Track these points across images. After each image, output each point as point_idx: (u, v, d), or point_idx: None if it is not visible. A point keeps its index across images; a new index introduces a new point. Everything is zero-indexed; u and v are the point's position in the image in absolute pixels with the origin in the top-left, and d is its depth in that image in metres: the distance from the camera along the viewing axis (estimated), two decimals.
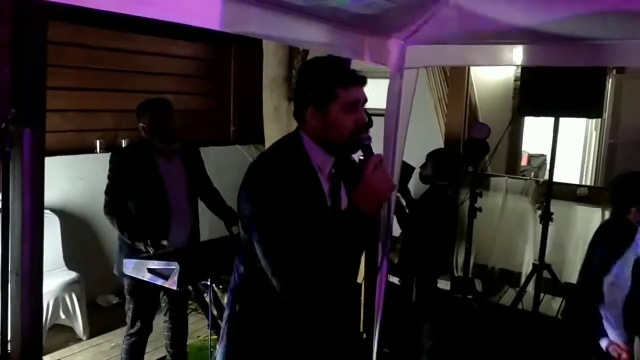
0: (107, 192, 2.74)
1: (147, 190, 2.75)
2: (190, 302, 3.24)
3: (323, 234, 1.42)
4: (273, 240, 1.43)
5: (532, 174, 6.03)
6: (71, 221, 4.20)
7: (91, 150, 4.41)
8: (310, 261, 1.40)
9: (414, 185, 3.62)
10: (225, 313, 1.67)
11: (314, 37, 2.28)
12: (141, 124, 2.78)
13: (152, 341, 3.02)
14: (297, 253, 1.41)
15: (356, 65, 1.74)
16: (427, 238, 3.31)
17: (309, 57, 4.80)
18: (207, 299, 2.59)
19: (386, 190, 1.45)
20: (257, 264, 1.48)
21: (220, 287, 2.68)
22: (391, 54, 2.74)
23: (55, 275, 3.74)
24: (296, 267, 1.41)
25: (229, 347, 1.63)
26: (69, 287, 3.70)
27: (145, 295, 2.79)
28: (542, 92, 3.58)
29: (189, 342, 3.24)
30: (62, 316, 3.70)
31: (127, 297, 2.84)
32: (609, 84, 5.28)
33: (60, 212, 4.07)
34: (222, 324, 1.68)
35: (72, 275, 3.81)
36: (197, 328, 3.84)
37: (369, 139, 1.53)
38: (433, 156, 3.41)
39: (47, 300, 3.51)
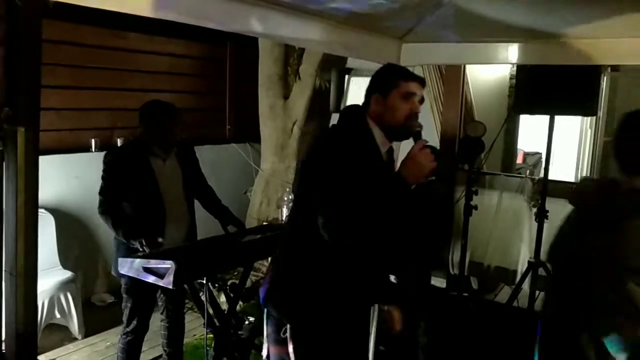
0: (101, 192, 2.73)
1: (141, 191, 2.73)
2: (186, 301, 3.24)
3: (379, 198, 1.65)
4: (335, 199, 1.64)
5: (528, 171, 6.02)
6: (66, 220, 4.18)
7: (86, 149, 4.39)
8: (360, 218, 1.62)
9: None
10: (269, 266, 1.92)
11: (309, 35, 2.28)
12: (143, 125, 2.74)
13: (148, 340, 3.02)
14: (352, 211, 1.62)
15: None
16: (416, 232, 3.35)
17: (305, 55, 4.80)
18: (203, 298, 2.59)
19: (428, 167, 1.69)
20: (305, 223, 1.73)
21: (216, 285, 2.68)
22: (387, 52, 2.75)
23: (50, 275, 3.72)
24: (352, 224, 1.63)
25: (271, 288, 1.88)
26: (64, 286, 3.69)
27: (142, 294, 2.78)
28: (538, 90, 3.58)
29: (185, 341, 3.23)
30: (57, 315, 3.68)
31: (124, 296, 2.83)
32: (604, 82, 5.30)
33: (56, 211, 4.05)
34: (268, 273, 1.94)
35: (67, 274, 3.79)
36: (193, 327, 3.84)
37: (421, 126, 1.81)
38: None
39: (42, 299, 3.49)
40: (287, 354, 1.83)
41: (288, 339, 1.81)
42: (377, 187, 1.67)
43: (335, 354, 1.85)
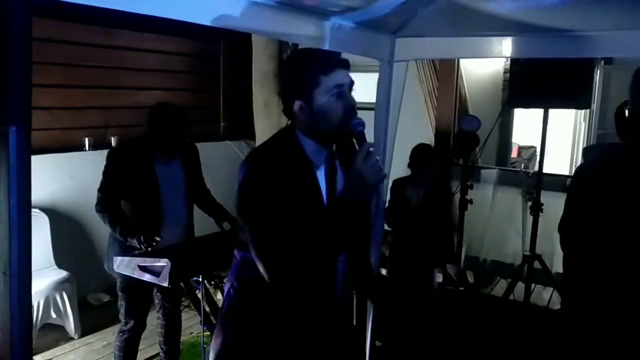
0: (100, 189, 2.70)
1: (141, 192, 2.70)
2: (182, 298, 3.23)
3: (315, 226, 1.41)
4: (262, 234, 1.43)
5: (522, 165, 6.05)
6: (61, 220, 4.16)
7: (80, 148, 4.36)
8: (299, 253, 1.39)
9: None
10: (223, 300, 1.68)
11: (302, 30, 2.27)
12: (150, 128, 2.69)
13: (145, 338, 3.01)
14: (286, 246, 1.39)
15: (348, 59, 1.71)
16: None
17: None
18: (199, 296, 2.58)
19: (376, 180, 1.42)
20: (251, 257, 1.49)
21: (212, 283, 2.68)
22: (380, 47, 2.73)
23: (46, 275, 3.71)
24: (284, 260, 1.40)
25: (222, 334, 1.64)
26: (59, 286, 3.67)
27: (137, 292, 2.77)
28: (531, 83, 3.59)
29: (182, 338, 3.23)
30: (53, 315, 3.67)
31: (120, 294, 2.82)
32: (597, 75, 5.32)
33: (50, 211, 4.03)
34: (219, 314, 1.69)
35: (62, 274, 3.78)
36: (190, 324, 3.83)
37: (362, 124, 1.46)
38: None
39: (38, 299, 3.48)
40: None
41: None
42: (310, 212, 1.43)
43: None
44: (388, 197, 3.51)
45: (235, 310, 1.64)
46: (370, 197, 1.49)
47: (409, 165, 3.59)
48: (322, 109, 1.47)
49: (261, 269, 1.44)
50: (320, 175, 1.56)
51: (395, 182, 3.64)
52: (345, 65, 1.51)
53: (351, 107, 1.48)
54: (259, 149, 1.59)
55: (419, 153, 3.54)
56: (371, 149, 1.42)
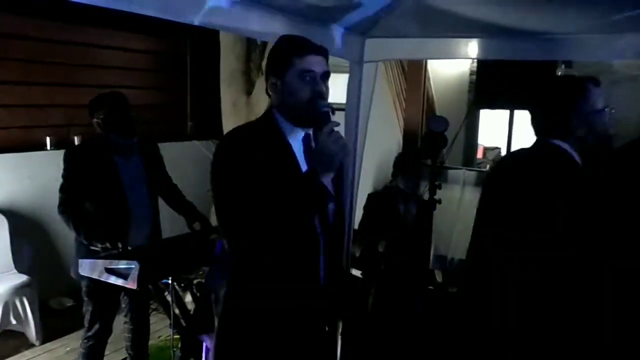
0: (61, 190, 2.63)
1: (104, 190, 2.64)
2: (151, 301, 3.16)
3: (281, 196, 1.48)
4: (228, 207, 1.52)
5: (488, 166, 6.18)
6: (20, 222, 4.03)
7: (40, 147, 4.24)
8: (263, 223, 1.47)
9: None
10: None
11: (272, 29, 2.26)
12: (96, 120, 2.67)
13: (111, 343, 2.94)
14: (250, 217, 1.46)
15: (324, 47, 1.71)
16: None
17: (268, 50, 4.76)
18: (169, 298, 2.54)
19: (340, 153, 1.49)
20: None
21: (182, 285, 2.64)
22: (350, 47, 2.74)
23: (5, 279, 3.59)
24: (248, 231, 1.48)
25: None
26: (19, 290, 3.55)
27: (104, 297, 2.70)
28: (497, 85, 3.68)
29: (150, 342, 3.16)
30: (13, 321, 3.55)
31: (85, 299, 2.73)
32: None
33: (9, 213, 3.90)
34: None
35: (22, 278, 3.66)
36: (158, 328, 3.76)
37: (327, 106, 1.54)
38: None
39: None
40: None
41: None
42: (281, 188, 1.47)
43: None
44: (361, 214, 3.38)
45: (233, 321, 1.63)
46: (333, 171, 1.53)
47: (394, 175, 3.43)
48: (291, 88, 1.55)
49: (226, 241, 1.55)
50: (300, 155, 1.61)
51: (372, 196, 3.44)
52: (321, 53, 1.58)
53: (319, 92, 1.55)
54: (238, 127, 1.65)
55: (409, 160, 3.37)
56: (335, 128, 1.49)
